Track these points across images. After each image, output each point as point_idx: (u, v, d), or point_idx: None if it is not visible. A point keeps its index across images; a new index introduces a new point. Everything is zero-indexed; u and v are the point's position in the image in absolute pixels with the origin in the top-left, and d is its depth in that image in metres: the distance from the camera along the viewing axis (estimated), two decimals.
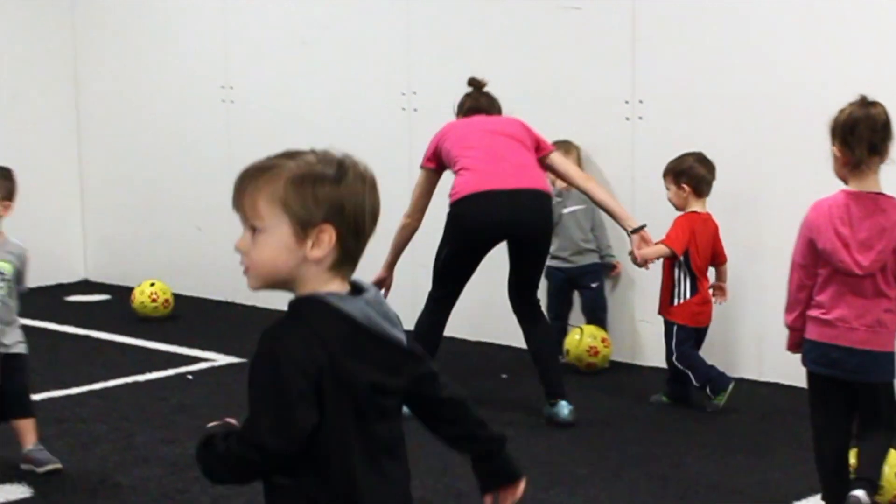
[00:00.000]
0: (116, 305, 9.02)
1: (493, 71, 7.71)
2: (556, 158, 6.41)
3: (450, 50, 7.96)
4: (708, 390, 6.43)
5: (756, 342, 6.91)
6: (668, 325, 6.54)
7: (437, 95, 7.92)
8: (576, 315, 7.46)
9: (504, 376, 7.11)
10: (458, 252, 6.27)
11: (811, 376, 4.61)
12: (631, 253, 6.30)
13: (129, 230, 9.76)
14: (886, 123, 4.39)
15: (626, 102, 7.23)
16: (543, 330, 6.39)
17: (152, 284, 8.65)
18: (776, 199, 6.75)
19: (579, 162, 7.23)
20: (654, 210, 7.09)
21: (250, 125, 8.98)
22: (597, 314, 7.34)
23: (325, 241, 2.51)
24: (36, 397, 6.52)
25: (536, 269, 6.39)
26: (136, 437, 6.03)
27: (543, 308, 6.51)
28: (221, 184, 9.14)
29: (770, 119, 6.73)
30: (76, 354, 7.65)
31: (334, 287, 2.56)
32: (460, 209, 6.16)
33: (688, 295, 6.48)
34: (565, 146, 7.14)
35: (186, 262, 9.51)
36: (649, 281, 7.01)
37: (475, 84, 6.65)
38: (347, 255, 2.55)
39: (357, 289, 2.59)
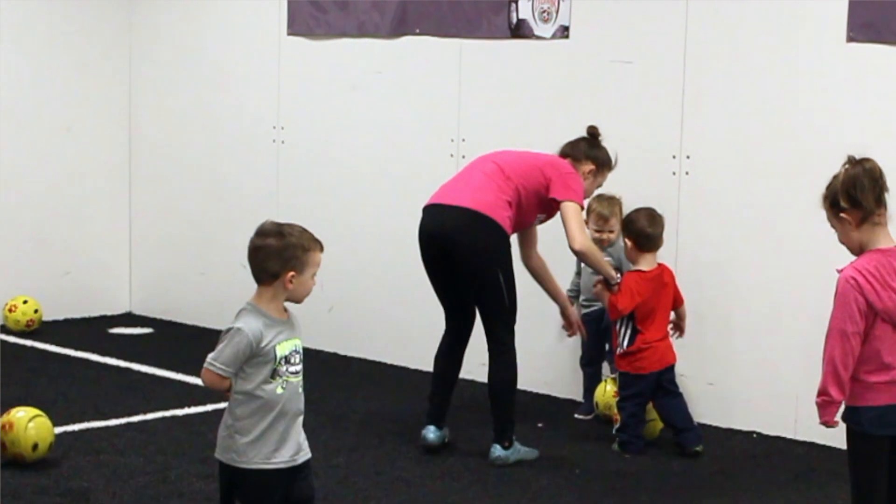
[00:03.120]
0: (159, 339, 9.08)
1: (542, 122, 7.78)
2: (565, 210, 6.39)
3: (500, 99, 8.00)
4: (617, 441, 6.62)
5: (793, 400, 6.88)
6: (614, 372, 6.86)
7: (485, 143, 7.96)
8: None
9: (540, 425, 7.10)
10: (425, 268, 6.59)
11: (865, 437, 4.52)
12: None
13: (174, 265, 9.81)
14: (882, 174, 4.43)
15: (674, 157, 7.24)
16: (497, 367, 6.47)
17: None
18: (821, 259, 6.73)
19: (622, 215, 7.23)
20: (696, 262, 7.12)
21: (300, 166, 9.04)
22: (603, 359, 7.29)
23: None
24: (73, 427, 6.61)
25: (481, 295, 6.44)
26: (172, 471, 6.06)
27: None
28: None
29: (819, 177, 6.70)
30: (117, 386, 7.70)
31: None
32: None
33: (625, 345, 6.61)
34: (609, 201, 7.16)
35: (229, 298, 9.53)
36: (688, 334, 7.01)
37: (589, 132, 6.81)
38: None
39: None
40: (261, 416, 4.38)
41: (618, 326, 6.66)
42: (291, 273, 4.48)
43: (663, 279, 6.70)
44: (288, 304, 4.54)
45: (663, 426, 6.77)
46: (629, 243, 6.68)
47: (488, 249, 6.34)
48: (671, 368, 6.68)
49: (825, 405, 4.44)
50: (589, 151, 6.66)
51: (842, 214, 4.45)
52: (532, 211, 6.52)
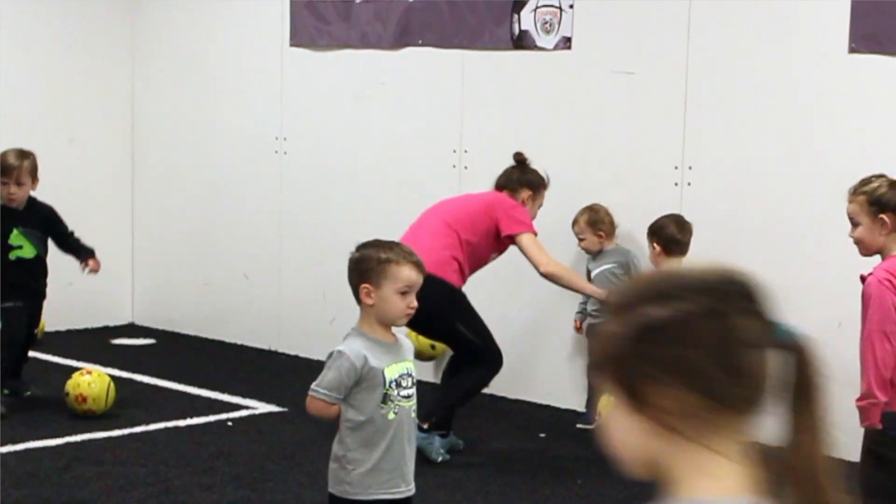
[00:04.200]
0: (161, 350, 9.08)
1: (545, 133, 7.79)
2: (521, 242, 6.65)
3: (502, 110, 8.01)
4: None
5: None
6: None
7: (488, 154, 7.98)
8: None
9: (542, 435, 7.10)
10: None
11: (890, 440, 4.50)
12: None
13: (177, 276, 9.83)
14: None
15: (676, 168, 7.25)
16: (472, 368, 6.63)
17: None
18: (822, 269, 6.74)
19: (611, 222, 7.25)
20: None
21: (302, 177, 9.05)
22: None
23: None
24: (76, 438, 6.61)
25: (451, 345, 6.77)
26: (174, 481, 6.06)
27: None
28: (271, 233, 9.28)
29: (820, 188, 6.73)
30: (119, 397, 7.68)
31: None
32: None
33: None
34: (590, 211, 7.28)
35: (232, 309, 9.57)
36: None
37: (516, 159, 6.98)
38: None
39: None
40: (374, 444, 4.15)
41: None
42: (365, 286, 4.14)
43: None
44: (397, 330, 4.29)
45: None
46: (657, 248, 6.85)
47: (440, 308, 6.33)
48: None
49: (871, 408, 4.39)
50: (522, 178, 6.88)
51: (882, 215, 4.45)
52: (488, 252, 6.78)
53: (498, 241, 6.74)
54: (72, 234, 7.53)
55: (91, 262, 7.44)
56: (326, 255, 8.92)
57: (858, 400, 4.41)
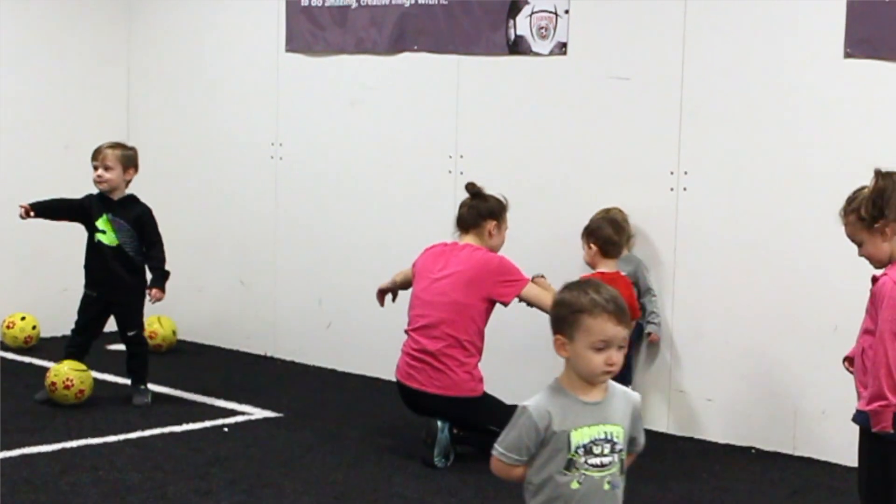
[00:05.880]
0: (157, 356, 9.07)
1: (540, 138, 7.80)
2: (524, 297, 6.66)
3: (498, 115, 8.01)
4: None
5: (791, 416, 6.88)
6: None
7: (483, 160, 7.99)
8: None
9: None
10: None
11: None
12: None
13: (172, 282, 9.77)
14: None
15: (672, 173, 7.26)
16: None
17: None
18: (817, 274, 6.75)
19: (628, 226, 7.27)
20: (694, 277, 7.13)
21: (298, 183, 9.05)
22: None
23: None
24: (72, 444, 6.60)
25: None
26: (170, 487, 6.05)
27: None
28: (267, 239, 9.28)
29: (816, 193, 6.74)
30: (114, 403, 7.69)
31: None
32: None
33: None
34: (606, 213, 7.26)
35: (228, 315, 9.57)
36: (686, 350, 7.03)
37: (470, 191, 6.93)
38: None
39: None
40: None
41: None
42: (559, 337, 3.63)
43: (619, 284, 6.78)
44: (612, 383, 3.74)
45: None
46: (594, 248, 6.93)
47: (472, 418, 6.67)
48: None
49: (883, 411, 4.33)
50: (483, 210, 6.83)
51: (876, 225, 4.44)
52: (488, 315, 6.77)
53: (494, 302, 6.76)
54: (156, 244, 7.67)
55: (154, 292, 7.59)
56: (322, 261, 8.93)
57: (868, 403, 4.35)
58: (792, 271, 6.87)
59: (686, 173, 7.22)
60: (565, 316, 3.60)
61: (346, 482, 6.26)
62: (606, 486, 3.65)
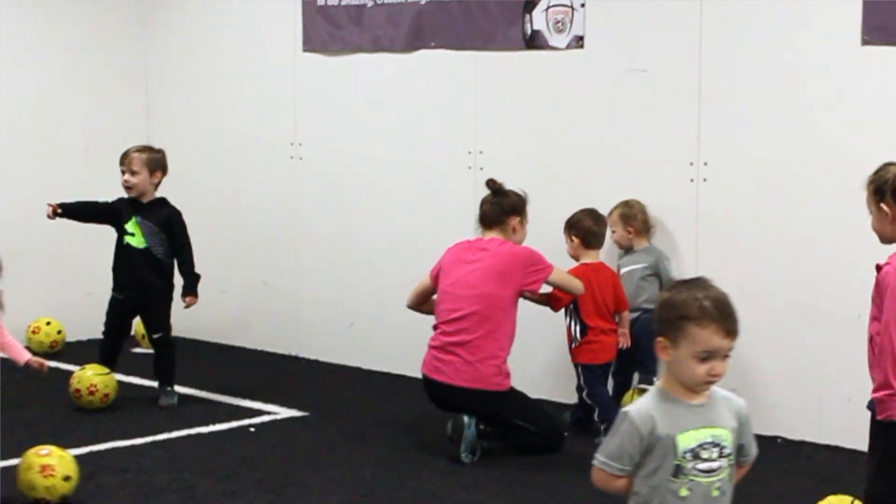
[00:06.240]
0: (182, 357, 9.08)
1: (559, 133, 7.80)
2: (553, 282, 6.83)
3: (516, 110, 8.02)
4: (603, 429, 6.69)
5: (817, 404, 6.88)
6: (575, 367, 7.10)
7: (502, 155, 7.99)
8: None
9: (566, 434, 7.09)
10: None
11: None
12: None
13: None
14: None
15: (691, 164, 7.25)
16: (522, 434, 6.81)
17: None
18: (839, 262, 6.74)
19: (645, 220, 7.28)
20: (716, 267, 7.12)
21: (318, 182, 9.07)
22: (635, 369, 7.30)
23: None
24: (99, 447, 6.64)
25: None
26: (198, 488, 6.08)
27: None
28: (287, 239, 9.30)
29: (836, 181, 6.72)
30: (140, 405, 7.72)
31: None
32: None
33: (579, 337, 7.02)
34: (625, 206, 7.30)
35: (251, 315, 9.60)
36: None
37: (491, 187, 6.98)
38: None
39: None
40: None
41: (568, 323, 7.04)
42: (662, 340, 3.47)
43: (604, 274, 7.06)
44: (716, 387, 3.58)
45: None
46: (576, 241, 7.12)
47: (498, 413, 6.72)
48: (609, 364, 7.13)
49: (888, 399, 4.32)
50: (506, 206, 6.89)
51: (882, 205, 4.45)
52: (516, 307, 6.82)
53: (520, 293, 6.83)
54: (185, 246, 7.74)
55: (188, 299, 7.72)
56: (344, 260, 8.95)
57: (874, 391, 4.35)
58: (815, 259, 6.86)
59: (706, 164, 7.21)
60: (671, 320, 3.44)
61: (374, 480, 6.28)
62: (716, 493, 3.50)
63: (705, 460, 3.45)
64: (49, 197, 7.85)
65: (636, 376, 7.30)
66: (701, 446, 3.45)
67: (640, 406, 3.48)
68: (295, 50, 9.10)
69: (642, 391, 7.05)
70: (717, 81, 7.16)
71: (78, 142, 9.68)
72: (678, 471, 3.44)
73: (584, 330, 6.99)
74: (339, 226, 8.95)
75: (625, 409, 3.49)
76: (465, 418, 6.56)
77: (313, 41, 9.01)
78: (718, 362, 3.42)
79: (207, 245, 9.68)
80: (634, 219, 7.30)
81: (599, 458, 3.51)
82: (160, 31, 9.97)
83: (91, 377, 7.57)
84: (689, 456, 3.44)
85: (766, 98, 7.01)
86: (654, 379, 7.15)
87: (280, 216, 9.30)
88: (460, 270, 6.77)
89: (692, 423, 3.45)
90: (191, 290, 7.70)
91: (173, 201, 7.84)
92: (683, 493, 3.44)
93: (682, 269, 7.27)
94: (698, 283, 3.50)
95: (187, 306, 7.72)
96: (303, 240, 9.21)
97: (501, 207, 6.87)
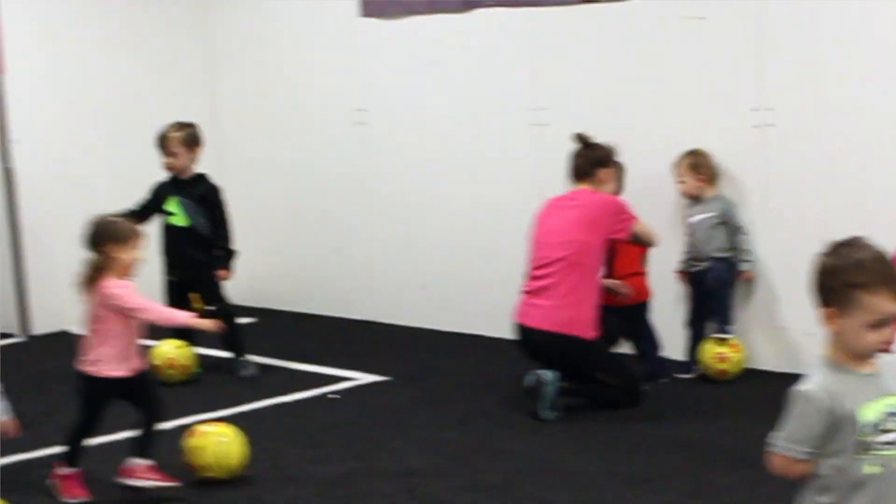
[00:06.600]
0: (262, 328, 9.20)
1: (619, 83, 7.79)
2: (638, 233, 6.97)
3: (575, 65, 8.01)
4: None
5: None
6: (720, 331, 7.26)
7: (565, 110, 8.00)
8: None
9: (646, 388, 7.12)
10: None
11: None
12: None
13: (268, 253, 9.91)
14: None
15: (755, 111, 7.22)
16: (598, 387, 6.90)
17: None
18: None
19: (713, 164, 7.29)
20: (787, 214, 7.11)
21: (383, 146, 9.12)
22: (711, 317, 7.33)
23: None
24: (185, 420, 6.70)
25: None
26: (285, 457, 6.17)
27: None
28: (356, 205, 9.36)
29: None
30: (222, 377, 7.82)
31: None
32: None
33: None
34: (693, 155, 7.30)
35: (326, 282, 9.68)
36: (782, 286, 7.03)
37: (581, 141, 7.03)
38: None
39: None
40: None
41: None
42: (829, 310, 3.24)
43: None
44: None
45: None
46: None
47: (582, 362, 6.80)
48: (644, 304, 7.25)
49: None
50: (597, 160, 6.99)
51: None
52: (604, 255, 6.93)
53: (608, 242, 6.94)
54: (221, 222, 7.82)
55: (220, 272, 7.82)
56: (413, 223, 9.00)
57: None
58: (886, 201, 6.81)
59: (770, 109, 7.17)
60: (837, 287, 3.22)
61: (459, 441, 6.34)
62: None
63: (891, 431, 3.23)
64: (117, 188, 7.89)
65: (708, 327, 7.32)
66: (885, 417, 3.22)
67: (818, 382, 3.24)
68: (354, 16, 9.12)
69: (721, 341, 7.10)
70: (777, 23, 7.09)
71: (143, 118, 9.78)
72: (862, 446, 3.22)
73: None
74: (406, 188, 9.00)
75: (800, 386, 3.26)
76: (548, 375, 6.61)
77: (371, 6, 9.03)
78: (889, 329, 3.22)
79: (278, 215, 9.79)
80: (704, 167, 7.30)
81: (782, 444, 3.29)
82: (220, 4, 10.05)
83: (168, 351, 7.69)
84: (870, 430, 3.22)
85: (830, 38, 6.92)
86: (728, 328, 7.18)
87: (347, 183, 9.36)
88: (552, 219, 6.88)
89: (869, 394, 3.23)
90: (224, 263, 7.80)
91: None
92: (868, 469, 3.23)
93: (750, 215, 7.26)
94: (857, 244, 3.31)
95: (220, 280, 7.80)
96: (371, 205, 9.26)
97: (590, 160, 6.96)
